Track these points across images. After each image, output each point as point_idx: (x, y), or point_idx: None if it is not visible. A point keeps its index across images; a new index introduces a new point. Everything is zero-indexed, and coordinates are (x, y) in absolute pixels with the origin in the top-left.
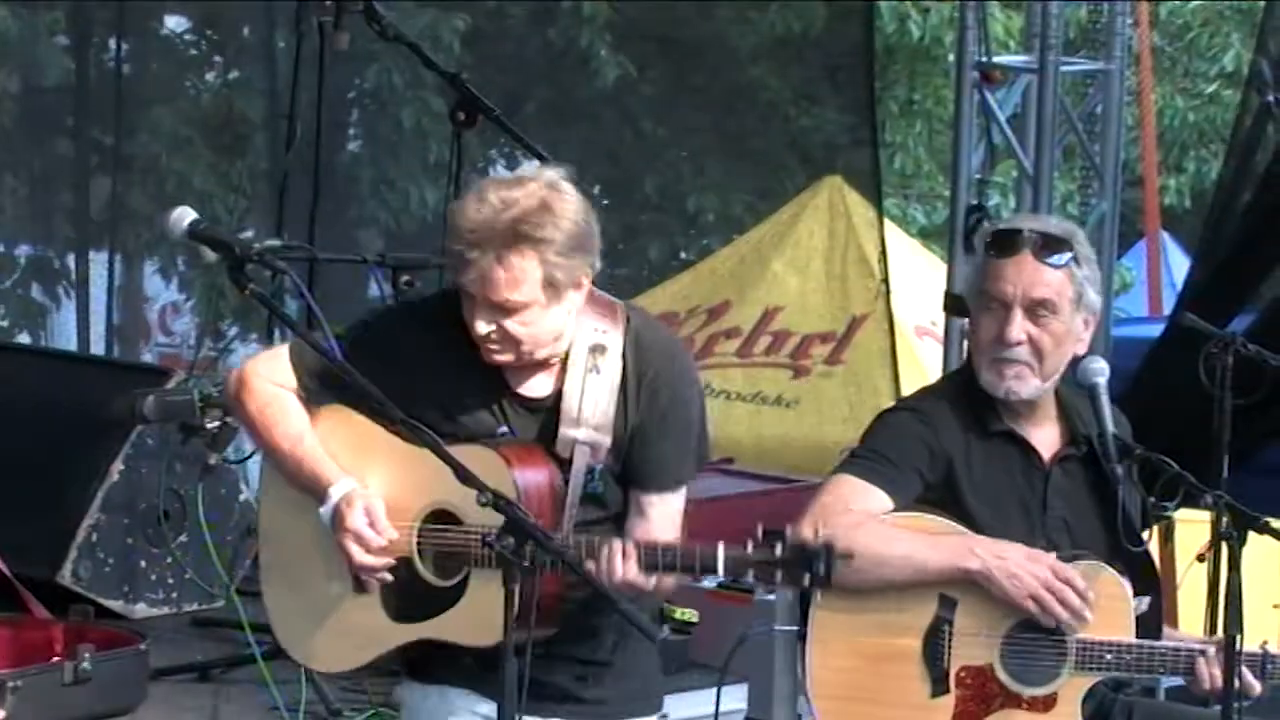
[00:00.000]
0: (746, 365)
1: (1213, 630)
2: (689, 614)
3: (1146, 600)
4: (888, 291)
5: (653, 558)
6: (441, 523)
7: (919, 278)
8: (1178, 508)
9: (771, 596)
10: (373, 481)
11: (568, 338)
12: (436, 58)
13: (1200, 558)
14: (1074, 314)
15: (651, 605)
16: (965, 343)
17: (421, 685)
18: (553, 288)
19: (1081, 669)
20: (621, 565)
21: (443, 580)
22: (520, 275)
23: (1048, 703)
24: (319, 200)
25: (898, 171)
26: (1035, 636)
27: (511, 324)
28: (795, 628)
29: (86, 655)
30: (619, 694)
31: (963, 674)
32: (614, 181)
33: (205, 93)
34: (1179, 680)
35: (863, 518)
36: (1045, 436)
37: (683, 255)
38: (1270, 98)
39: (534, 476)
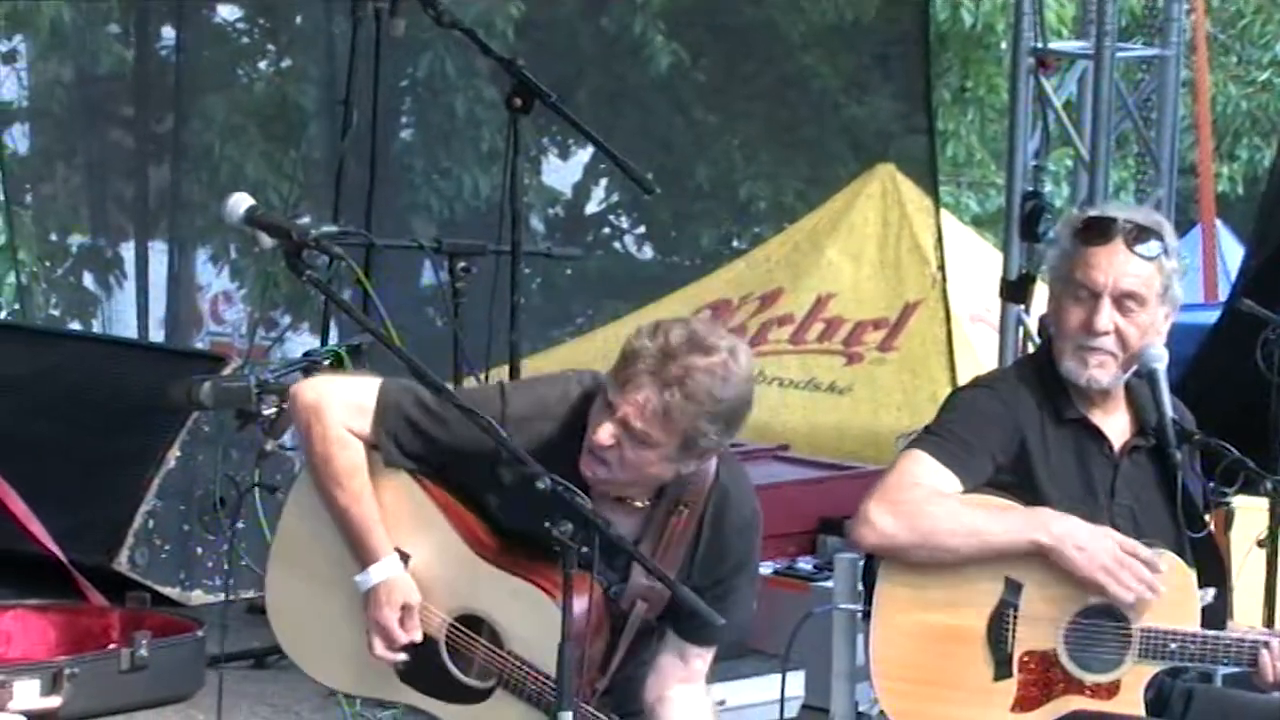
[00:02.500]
0: (800, 352)
1: (1271, 616)
2: None
3: (1212, 592)
4: (944, 279)
5: None
6: (471, 628)
7: (973, 265)
8: (1237, 493)
9: (829, 584)
10: (419, 559)
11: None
12: (490, 45)
13: (1260, 543)
14: (1159, 307)
15: None
16: (1020, 329)
17: None
18: (687, 450)
19: (1145, 657)
20: None
21: (466, 677)
22: (667, 417)
23: (1110, 690)
24: (374, 187)
25: (950, 159)
26: (1100, 623)
27: (630, 452)
28: (857, 607)
29: (143, 642)
30: None
31: (1026, 658)
32: (666, 169)
33: (259, 81)
34: (1236, 667)
35: (930, 493)
36: (1116, 425)
37: (735, 243)
38: None
39: (578, 613)
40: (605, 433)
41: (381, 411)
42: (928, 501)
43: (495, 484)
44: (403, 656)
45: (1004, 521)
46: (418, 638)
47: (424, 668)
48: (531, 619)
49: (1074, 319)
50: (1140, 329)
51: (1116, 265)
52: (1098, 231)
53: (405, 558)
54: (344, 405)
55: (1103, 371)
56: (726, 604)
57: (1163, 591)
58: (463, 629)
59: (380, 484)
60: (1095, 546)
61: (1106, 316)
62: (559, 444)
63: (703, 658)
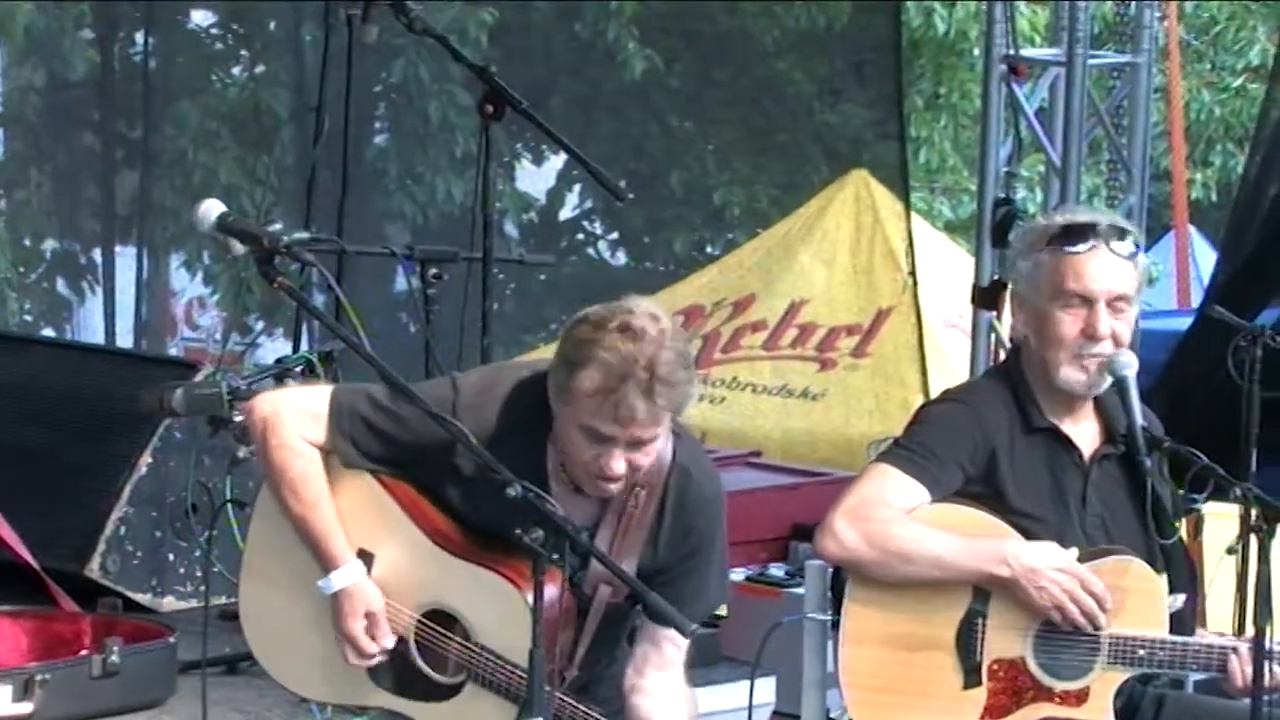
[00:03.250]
0: (773, 358)
1: (1242, 623)
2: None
3: (1182, 598)
4: (915, 284)
5: None
6: (440, 623)
7: (945, 271)
8: (1207, 500)
9: (800, 590)
10: (382, 558)
11: None
12: (463, 51)
13: (1231, 550)
14: (1137, 304)
15: None
16: (992, 335)
17: None
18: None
19: (1114, 664)
20: None
21: (435, 674)
22: (664, 413)
23: (1080, 697)
24: (347, 193)
25: (923, 165)
26: (1068, 631)
27: (639, 457)
28: (827, 616)
29: (115, 648)
30: None
31: (995, 666)
32: (640, 175)
33: (232, 87)
34: (1205, 673)
35: (897, 514)
36: (1085, 433)
37: (708, 249)
38: None
39: (549, 611)
40: (620, 465)
41: (336, 416)
42: (894, 523)
43: (455, 476)
44: (377, 662)
45: (967, 550)
46: (388, 644)
47: (395, 668)
48: (499, 610)
49: (1068, 328)
50: (1129, 327)
51: (1106, 269)
52: (1079, 238)
53: (369, 558)
54: (298, 414)
55: (1102, 376)
56: (696, 581)
57: (1127, 595)
58: (431, 625)
59: (340, 487)
60: (1051, 582)
61: (1106, 321)
62: (513, 429)
63: (675, 643)
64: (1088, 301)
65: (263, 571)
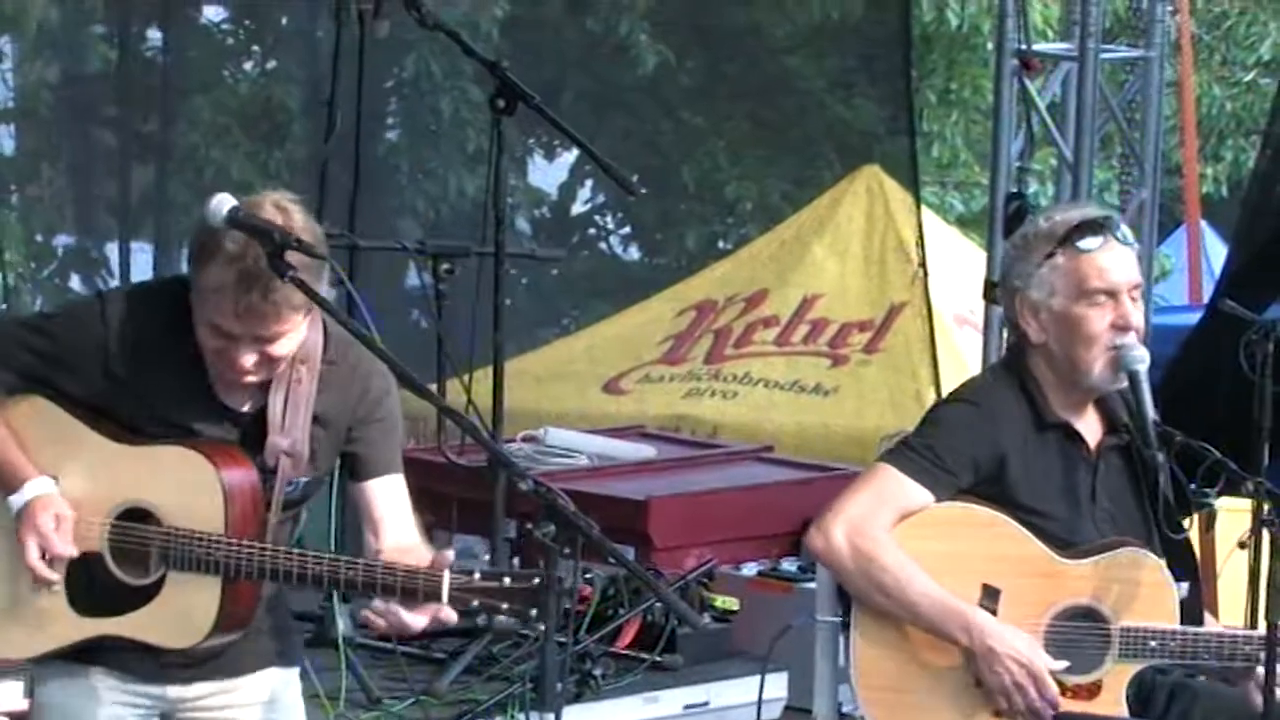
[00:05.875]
0: (785, 354)
1: (1254, 617)
2: (730, 602)
3: (1186, 585)
4: (925, 276)
5: (371, 576)
6: (136, 520)
7: (957, 266)
8: (1219, 495)
9: (812, 585)
10: (68, 476)
11: None
12: (474, 46)
13: (1242, 544)
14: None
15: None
16: (1004, 330)
17: (66, 663)
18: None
19: (1125, 657)
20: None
21: (135, 579)
22: (286, 305)
23: (1092, 690)
24: (359, 189)
25: (935, 160)
26: (1078, 625)
27: (275, 348)
28: (838, 618)
29: None
30: (257, 649)
31: None
32: (652, 170)
33: (243, 82)
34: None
35: (889, 541)
36: (1089, 425)
37: (720, 244)
38: None
39: (239, 477)
40: (248, 359)
41: None
42: (885, 551)
43: (115, 380)
44: (58, 576)
45: (939, 608)
46: (73, 552)
47: (97, 591)
48: (181, 481)
49: (1097, 324)
50: (1143, 315)
51: (1124, 261)
52: (1095, 234)
53: (54, 481)
54: None
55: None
56: (376, 433)
57: (1137, 589)
58: (124, 525)
59: (14, 418)
60: (1005, 670)
61: (1134, 310)
62: (166, 329)
63: (391, 484)
64: (1112, 295)
65: None
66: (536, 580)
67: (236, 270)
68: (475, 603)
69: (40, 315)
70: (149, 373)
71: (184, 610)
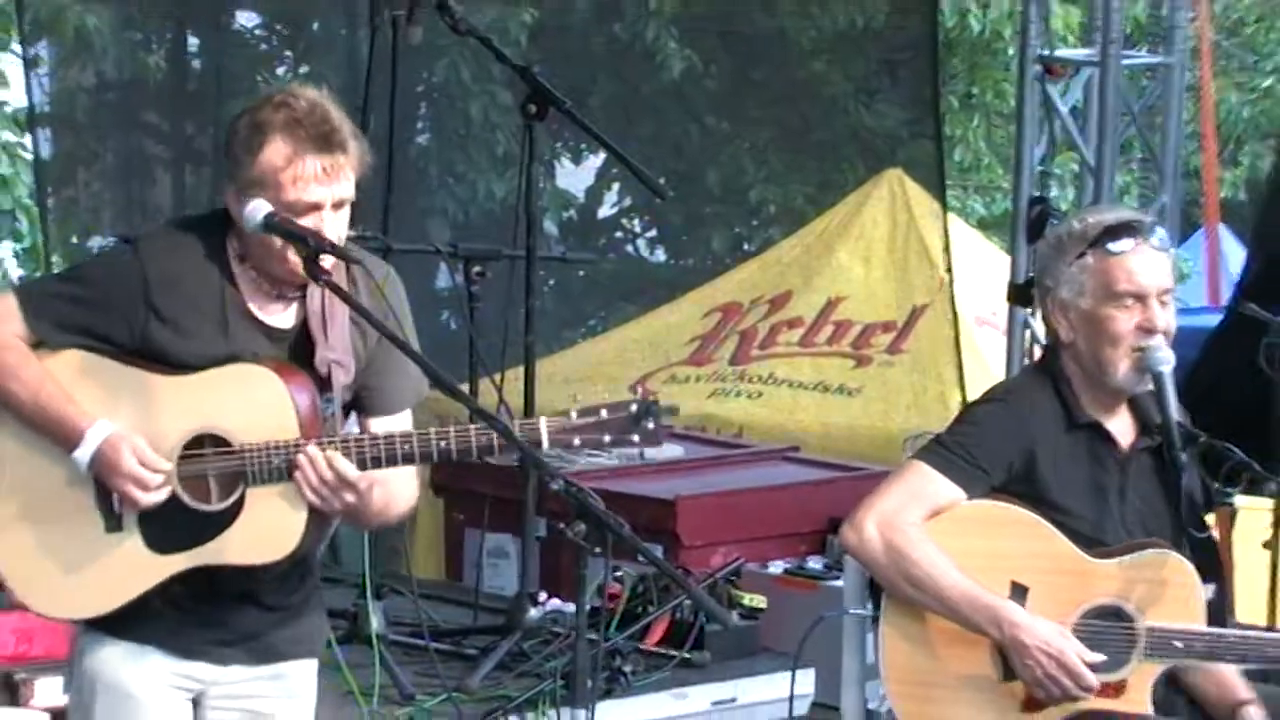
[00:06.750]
0: (810, 355)
1: (1273, 614)
2: (757, 600)
3: (1212, 587)
4: (951, 281)
5: (466, 439)
6: (203, 447)
7: (979, 268)
8: (1240, 494)
9: (839, 583)
10: (122, 420)
11: None
12: (504, 52)
13: (1266, 545)
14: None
15: None
16: (1027, 332)
17: (110, 637)
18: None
19: (1151, 656)
20: None
21: (212, 505)
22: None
23: (1118, 689)
24: (390, 192)
25: (958, 164)
26: (1106, 624)
27: (339, 221)
28: (867, 612)
29: None
30: (292, 636)
31: None
32: (678, 174)
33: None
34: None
35: (923, 535)
36: (1121, 426)
37: (745, 246)
38: None
39: (301, 386)
40: (331, 227)
41: (26, 304)
42: (918, 545)
43: (157, 314)
44: (164, 495)
45: (970, 602)
46: (167, 466)
47: (172, 528)
48: (248, 399)
49: (1123, 326)
50: (1174, 318)
51: (1154, 265)
52: (1126, 237)
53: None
54: None
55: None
56: (401, 364)
57: (1164, 589)
58: (191, 454)
59: (59, 369)
60: (1035, 662)
61: (1161, 314)
62: (198, 265)
63: (400, 422)
64: (1140, 298)
65: (12, 510)
66: (634, 407)
67: (303, 131)
68: (577, 440)
69: (72, 267)
70: (189, 303)
71: (272, 522)
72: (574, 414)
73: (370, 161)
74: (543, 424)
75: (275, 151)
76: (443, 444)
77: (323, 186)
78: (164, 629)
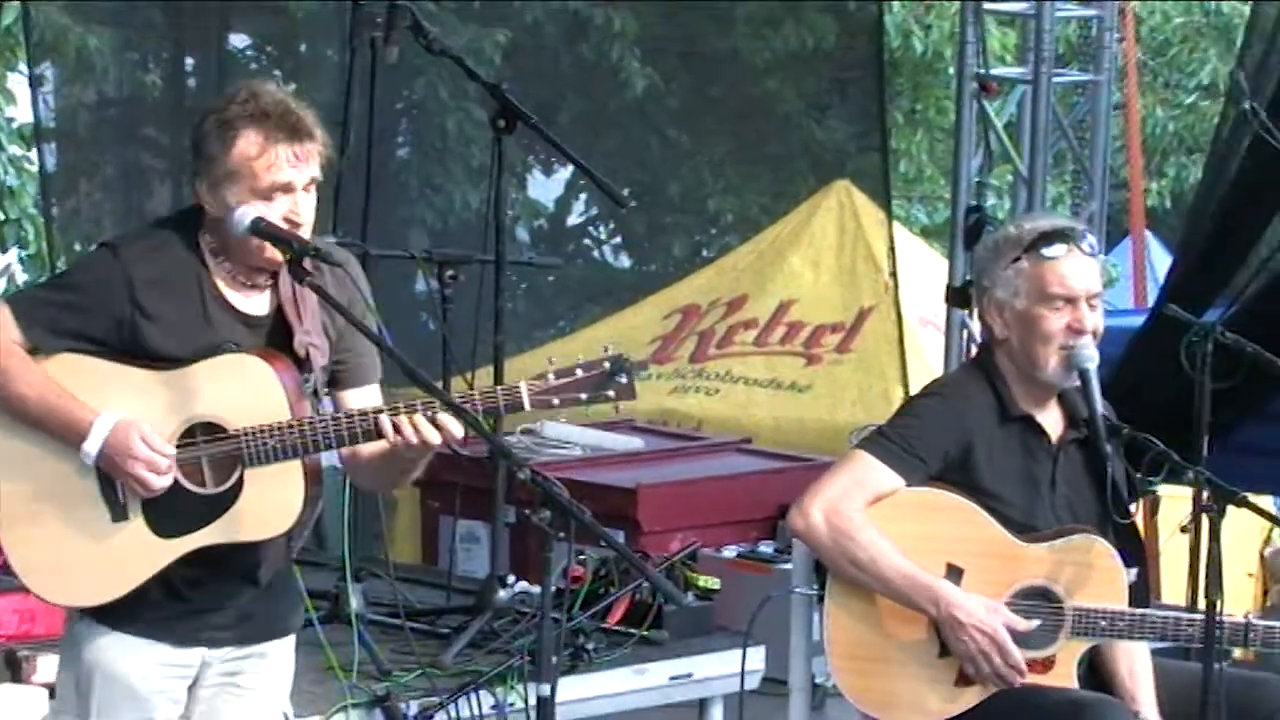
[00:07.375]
0: (764, 354)
1: (1194, 597)
2: (712, 581)
3: (1135, 571)
4: (896, 285)
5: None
6: (194, 437)
7: (922, 272)
8: (1161, 483)
9: (788, 566)
10: (120, 413)
11: None
12: (478, 70)
13: (1183, 529)
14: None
15: None
16: (964, 332)
17: (108, 628)
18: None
19: (1077, 634)
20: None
21: (212, 489)
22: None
23: (1046, 664)
24: (370, 201)
25: (902, 175)
26: (1035, 604)
27: (307, 204)
28: (813, 590)
29: None
30: (277, 612)
31: None
32: (642, 184)
33: None
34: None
35: (865, 520)
36: (1051, 420)
37: (704, 253)
38: (1246, 105)
39: (286, 369)
40: (302, 209)
41: (19, 313)
42: (861, 530)
43: (142, 311)
44: (170, 480)
45: (909, 582)
46: (172, 450)
47: (175, 514)
48: (240, 386)
49: (1054, 325)
50: (1102, 319)
51: (1084, 270)
52: (1059, 244)
53: None
54: None
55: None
56: (365, 345)
57: (1090, 572)
58: (186, 441)
59: (52, 371)
60: (970, 638)
61: (1090, 316)
62: (173, 263)
63: (371, 394)
64: (1070, 300)
65: (18, 506)
66: (608, 364)
67: (271, 122)
68: (556, 401)
69: (57, 275)
70: (171, 299)
71: (272, 499)
72: (551, 375)
73: (332, 147)
74: (524, 387)
75: (247, 142)
76: (429, 414)
77: (294, 170)
78: (162, 619)
